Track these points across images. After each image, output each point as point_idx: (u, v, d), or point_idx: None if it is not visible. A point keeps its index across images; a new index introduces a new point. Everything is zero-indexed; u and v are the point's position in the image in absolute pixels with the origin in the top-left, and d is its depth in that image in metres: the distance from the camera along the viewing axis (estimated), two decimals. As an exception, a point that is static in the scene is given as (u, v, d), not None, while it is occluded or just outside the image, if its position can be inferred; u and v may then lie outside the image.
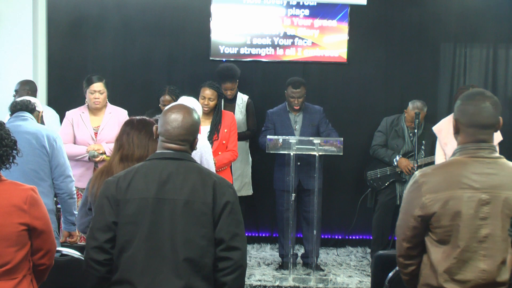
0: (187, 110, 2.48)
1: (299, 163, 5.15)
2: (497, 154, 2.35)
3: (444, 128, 4.46)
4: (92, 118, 4.75)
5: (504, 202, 2.26)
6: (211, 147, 4.54)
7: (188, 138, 2.46)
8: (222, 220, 2.34)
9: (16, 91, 4.89)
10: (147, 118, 3.00)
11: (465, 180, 2.29)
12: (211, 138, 4.72)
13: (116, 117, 4.72)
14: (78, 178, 4.42)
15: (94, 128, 4.71)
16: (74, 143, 4.66)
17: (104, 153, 4.57)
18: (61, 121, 4.95)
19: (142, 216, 2.33)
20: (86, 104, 4.76)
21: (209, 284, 2.37)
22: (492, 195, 2.27)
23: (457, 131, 2.40)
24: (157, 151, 2.47)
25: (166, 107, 2.53)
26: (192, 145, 2.50)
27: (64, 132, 4.65)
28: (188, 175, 2.38)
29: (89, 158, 4.57)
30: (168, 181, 2.36)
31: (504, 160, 2.36)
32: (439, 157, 4.51)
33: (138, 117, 2.98)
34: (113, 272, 2.38)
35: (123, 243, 2.34)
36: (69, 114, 4.77)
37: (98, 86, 4.67)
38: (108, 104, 4.80)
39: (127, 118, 4.68)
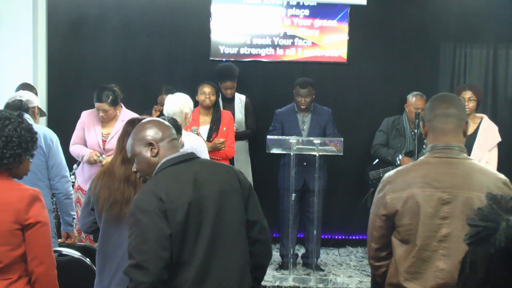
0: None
1: (305, 163, 5.16)
2: (465, 155, 2.35)
3: None
4: (104, 124, 4.67)
5: (465, 202, 2.24)
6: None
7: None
8: (251, 202, 2.41)
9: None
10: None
11: (427, 179, 2.30)
12: (211, 136, 4.79)
13: None
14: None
15: (104, 135, 4.64)
16: (85, 146, 4.65)
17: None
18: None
19: (190, 221, 2.23)
20: None
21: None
22: (453, 195, 2.26)
23: (425, 133, 2.43)
24: (162, 161, 2.34)
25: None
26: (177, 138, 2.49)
27: (76, 135, 4.68)
28: (211, 169, 2.38)
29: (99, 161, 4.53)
30: (197, 179, 2.29)
31: (471, 161, 2.36)
32: None
33: (140, 117, 2.96)
34: (166, 284, 2.21)
35: (176, 254, 2.21)
36: (83, 115, 4.73)
37: (102, 105, 4.55)
38: (123, 109, 4.69)
39: None
